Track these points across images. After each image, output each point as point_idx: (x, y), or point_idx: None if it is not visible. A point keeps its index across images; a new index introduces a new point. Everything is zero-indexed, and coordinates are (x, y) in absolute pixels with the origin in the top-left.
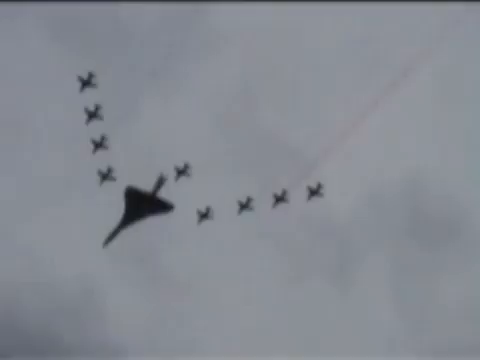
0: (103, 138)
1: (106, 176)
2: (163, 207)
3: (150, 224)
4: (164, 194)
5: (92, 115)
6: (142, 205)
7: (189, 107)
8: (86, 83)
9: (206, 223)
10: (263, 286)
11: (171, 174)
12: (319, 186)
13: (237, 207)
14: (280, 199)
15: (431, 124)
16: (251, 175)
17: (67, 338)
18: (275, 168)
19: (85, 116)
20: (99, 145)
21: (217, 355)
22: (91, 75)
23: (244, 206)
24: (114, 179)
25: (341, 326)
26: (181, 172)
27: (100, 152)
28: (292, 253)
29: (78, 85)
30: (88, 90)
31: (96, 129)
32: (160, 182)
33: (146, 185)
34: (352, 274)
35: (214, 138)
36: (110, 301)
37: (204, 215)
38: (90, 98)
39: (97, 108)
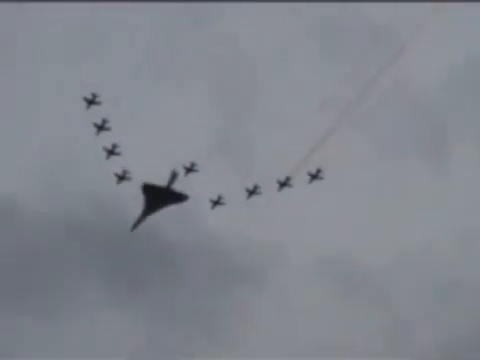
0: (114, 146)
1: (122, 177)
2: (179, 198)
3: None
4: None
5: (100, 128)
6: (159, 197)
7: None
8: (91, 102)
9: None
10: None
11: (181, 171)
12: (319, 171)
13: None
14: (284, 184)
15: None
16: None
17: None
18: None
19: (94, 129)
20: (111, 152)
21: None
22: (95, 95)
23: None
24: (130, 179)
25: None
26: (189, 169)
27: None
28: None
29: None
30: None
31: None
32: (173, 177)
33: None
34: (447, 151)
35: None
36: None
37: (216, 202)
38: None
39: (104, 122)
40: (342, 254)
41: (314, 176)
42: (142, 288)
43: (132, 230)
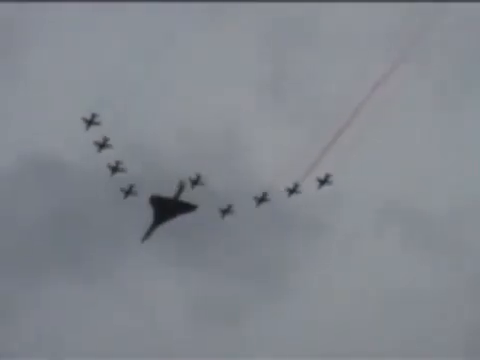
0: (118, 162)
1: (129, 192)
2: (187, 208)
3: None
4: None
5: (102, 146)
6: (167, 208)
7: None
8: (90, 122)
9: None
10: None
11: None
12: (327, 176)
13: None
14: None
15: None
16: None
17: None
18: None
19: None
20: (115, 169)
21: None
22: (94, 115)
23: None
24: (136, 194)
25: None
26: (195, 182)
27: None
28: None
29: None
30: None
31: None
32: (181, 188)
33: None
34: None
35: None
36: None
37: (226, 211)
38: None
39: (105, 140)
40: (406, 203)
41: (323, 182)
42: (196, 243)
43: (143, 241)
